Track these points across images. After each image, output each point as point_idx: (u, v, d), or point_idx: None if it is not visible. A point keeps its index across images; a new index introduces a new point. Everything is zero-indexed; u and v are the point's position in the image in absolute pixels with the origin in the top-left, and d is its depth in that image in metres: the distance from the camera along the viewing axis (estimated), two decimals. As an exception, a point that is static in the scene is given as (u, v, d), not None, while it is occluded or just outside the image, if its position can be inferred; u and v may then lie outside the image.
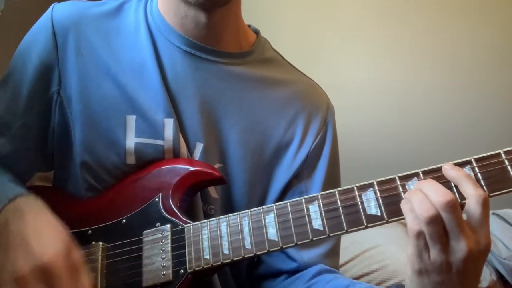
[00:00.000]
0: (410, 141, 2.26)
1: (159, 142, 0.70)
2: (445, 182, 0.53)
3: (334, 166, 0.81)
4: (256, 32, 0.82)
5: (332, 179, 0.80)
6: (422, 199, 0.50)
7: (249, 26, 0.83)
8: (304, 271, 0.75)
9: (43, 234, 0.56)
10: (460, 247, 0.49)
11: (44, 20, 0.73)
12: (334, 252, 0.79)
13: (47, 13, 0.74)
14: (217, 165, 0.73)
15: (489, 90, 2.16)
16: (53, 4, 0.75)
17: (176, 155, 0.71)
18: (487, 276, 1.59)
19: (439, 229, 0.49)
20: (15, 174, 0.74)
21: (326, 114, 0.81)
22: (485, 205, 0.49)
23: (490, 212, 1.77)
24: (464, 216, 0.50)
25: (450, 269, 0.50)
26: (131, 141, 0.70)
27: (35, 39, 0.73)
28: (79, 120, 0.71)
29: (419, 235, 0.50)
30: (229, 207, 0.73)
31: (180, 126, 0.71)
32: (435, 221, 0.49)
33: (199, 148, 0.72)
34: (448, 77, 2.21)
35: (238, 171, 0.74)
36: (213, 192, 0.73)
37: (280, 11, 2.46)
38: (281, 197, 0.77)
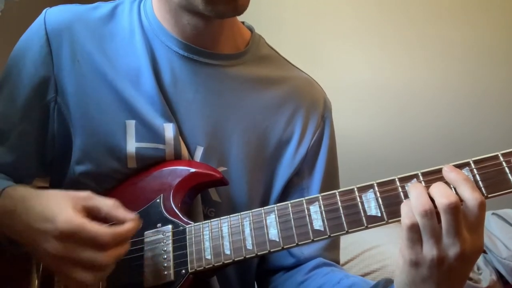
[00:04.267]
0: (409, 141, 2.26)
1: (160, 146, 0.70)
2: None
3: (332, 162, 0.82)
4: (250, 29, 0.82)
5: (331, 175, 0.80)
6: (420, 193, 0.51)
7: (243, 23, 0.82)
8: (303, 264, 0.76)
9: (41, 212, 0.58)
10: (454, 246, 0.50)
11: (37, 26, 0.72)
12: (334, 246, 0.80)
13: (40, 18, 0.73)
14: (220, 169, 0.73)
15: (489, 90, 2.16)
16: (45, 9, 0.74)
17: (177, 159, 0.71)
18: (487, 276, 1.59)
19: (434, 222, 0.50)
20: (14, 180, 0.74)
21: (324, 110, 0.81)
22: (481, 209, 0.50)
23: (490, 212, 1.78)
24: None
25: (441, 265, 0.51)
26: (132, 145, 0.70)
27: (29, 46, 0.72)
28: (77, 126, 0.70)
29: (412, 227, 0.51)
30: (231, 209, 0.73)
31: (180, 130, 0.72)
32: (430, 214, 0.50)
33: (199, 152, 0.72)
34: (448, 77, 2.22)
35: (241, 173, 0.74)
36: (214, 195, 0.73)
37: (279, 11, 2.46)
38: (283, 195, 0.78)
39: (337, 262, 0.80)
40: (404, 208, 0.52)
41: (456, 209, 0.49)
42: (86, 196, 0.60)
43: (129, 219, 0.59)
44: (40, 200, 0.59)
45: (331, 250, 0.79)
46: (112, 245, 0.56)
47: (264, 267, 0.81)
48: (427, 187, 0.53)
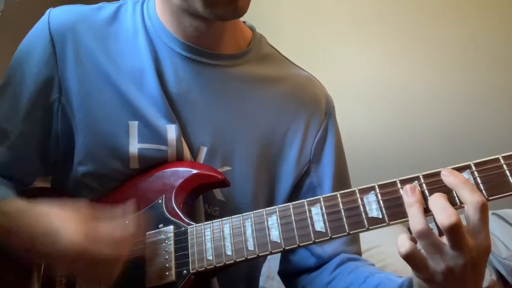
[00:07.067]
0: (409, 142, 2.26)
1: (163, 147, 0.70)
2: (444, 186, 0.53)
3: (341, 158, 0.82)
4: (252, 29, 0.83)
5: (341, 171, 0.81)
6: (415, 212, 0.51)
7: (244, 22, 0.83)
8: (328, 263, 0.77)
9: (43, 232, 0.59)
10: (460, 257, 0.50)
11: (40, 26, 0.72)
12: (355, 239, 0.81)
13: (44, 19, 0.73)
14: (224, 168, 0.73)
15: (489, 90, 2.16)
16: (49, 9, 0.74)
17: (179, 160, 0.71)
18: (487, 276, 1.59)
19: (432, 239, 0.50)
20: (15, 181, 0.74)
21: (326, 107, 0.82)
22: (483, 211, 0.50)
23: (491, 212, 1.79)
24: (464, 222, 0.51)
25: (453, 275, 0.51)
26: (134, 147, 0.70)
27: (33, 46, 0.72)
28: (81, 126, 0.71)
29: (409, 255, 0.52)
30: (236, 208, 0.73)
31: (183, 130, 0.72)
32: (425, 235, 0.50)
33: (202, 152, 0.72)
34: (448, 77, 2.22)
35: (245, 172, 0.74)
36: (218, 194, 0.74)
37: (279, 11, 2.46)
38: (295, 195, 0.79)
39: (360, 254, 0.81)
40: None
41: (458, 227, 0.49)
42: (87, 213, 0.61)
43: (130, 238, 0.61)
44: (41, 216, 0.60)
45: (353, 243, 0.80)
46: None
47: (288, 269, 0.82)
48: (430, 190, 0.53)
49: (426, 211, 0.52)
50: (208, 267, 0.62)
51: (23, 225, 0.60)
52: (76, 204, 0.61)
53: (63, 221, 0.58)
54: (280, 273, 0.86)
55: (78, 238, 0.57)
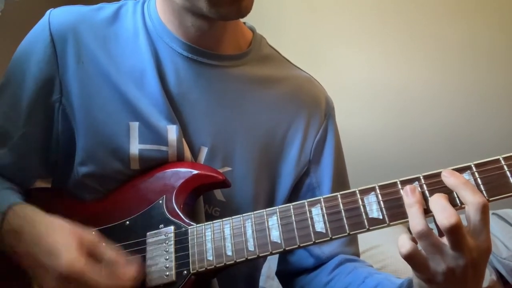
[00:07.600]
0: (410, 142, 2.26)
1: (163, 148, 0.70)
2: (445, 187, 0.53)
3: (340, 159, 0.83)
4: (252, 30, 0.83)
5: (340, 172, 0.82)
6: (415, 213, 0.52)
7: (244, 23, 0.83)
8: (327, 263, 0.77)
9: (47, 245, 0.58)
10: (461, 258, 0.50)
11: (41, 27, 0.72)
12: (353, 240, 0.81)
13: (44, 20, 0.72)
14: (225, 168, 0.73)
15: (489, 90, 2.16)
16: (49, 10, 0.74)
17: (180, 160, 0.71)
18: (487, 276, 1.59)
19: (432, 239, 0.50)
20: (16, 182, 0.74)
21: (326, 108, 0.82)
22: (484, 211, 0.50)
23: (491, 212, 1.79)
24: (465, 222, 0.51)
25: (453, 276, 0.51)
26: (135, 147, 0.70)
27: (33, 47, 0.72)
28: (81, 127, 0.71)
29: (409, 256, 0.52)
30: (236, 208, 0.73)
31: (184, 131, 0.72)
32: (424, 235, 0.50)
33: (203, 152, 0.73)
34: (448, 77, 2.22)
35: (245, 173, 0.74)
36: (219, 194, 0.74)
37: (280, 12, 2.46)
38: (295, 196, 0.79)
39: (358, 255, 0.81)
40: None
41: (458, 227, 0.49)
42: (93, 241, 0.60)
43: (129, 276, 0.59)
44: (48, 230, 0.60)
45: (351, 244, 0.80)
46: None
47: (286, 270, 0.83)
48: (431, 191, 0.53)
49: (427, 211, 0.53)
50: (208, 268, 0.62)
51: (32, 233, 0.60)
52: (85, 230, 0.61)
53: (69, 241, 0.58)
54: (278, 273, 0.86)
55: (79, 260, 0.57)
